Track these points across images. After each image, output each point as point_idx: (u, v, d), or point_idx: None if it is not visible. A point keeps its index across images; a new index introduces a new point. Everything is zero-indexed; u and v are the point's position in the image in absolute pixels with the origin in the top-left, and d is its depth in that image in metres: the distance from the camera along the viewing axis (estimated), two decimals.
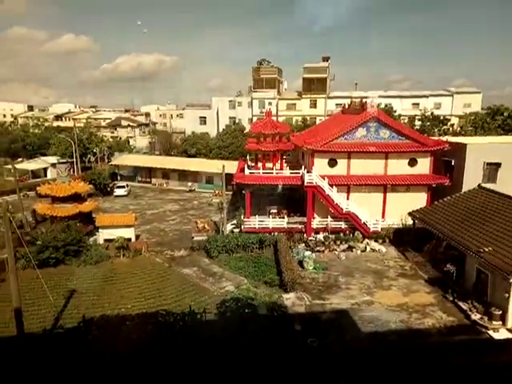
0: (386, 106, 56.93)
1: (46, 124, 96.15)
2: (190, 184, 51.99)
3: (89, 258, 26.00)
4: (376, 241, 28.97)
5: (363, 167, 30.43)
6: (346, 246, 28.36)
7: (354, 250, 28.01)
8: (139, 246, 28.28)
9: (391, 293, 21.93)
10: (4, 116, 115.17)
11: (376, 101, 40.59)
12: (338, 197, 29.33)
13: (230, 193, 43.60)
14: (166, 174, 54.80)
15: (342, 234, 29.52)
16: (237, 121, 68.77)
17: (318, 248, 28.07)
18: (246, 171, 31.32)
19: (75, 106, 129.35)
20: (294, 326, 18.51)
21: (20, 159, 66.03)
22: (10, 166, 52.45)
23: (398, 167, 30.54)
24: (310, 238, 29.43)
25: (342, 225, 29.93)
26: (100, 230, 29.38)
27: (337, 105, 62.37)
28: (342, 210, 29.21)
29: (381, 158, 30.57)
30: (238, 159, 45.06)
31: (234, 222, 31.26)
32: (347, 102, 37.93)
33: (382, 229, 29.46)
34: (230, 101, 71.62)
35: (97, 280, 23.59)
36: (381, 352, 16.42)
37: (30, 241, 26.25)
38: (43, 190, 30.64)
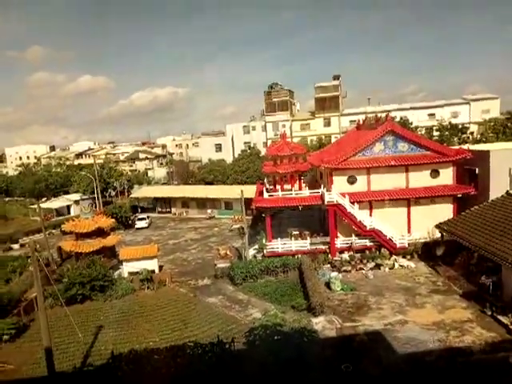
0: (401, 118, 56.57)
1: (68, 163, 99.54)
2: (209, 211, 52.21)
3: (114, 292, 26.07)
4: (404, 257, 28.07)
5: (384, 182, 29.92)
6: (373, 264, 27.54)
7: (381, 267, 27.16)
8: (163, 278, 28.22)
9: (425, 311, 20.96)
10: (28, 158, 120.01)
11: (391, 114, 40.36)
12: (360, 214, 28.79)
13: (250, 217, 43.47)
14: (185, 202, 55.31)
15: (367, 252, 28.77)
16: (252, 145, 69.57)
17: (344, 268, 27.36)
18: (265, 194, 31.22)
19: (94, 143, 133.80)
20: (326, 352, 17.81)
21: (44, 198, 68.10)
22: (35, 206, 54.04)
23: (420, 179, 29.90)
24: (335, 258, 28.77)
25: (367, 242, 29.21)
26: (124, 264, 29.56)
27: (351, 121, 62.46)
28: (366, 227, 28.58)
29: (401, 172, 30.03)
30: (255, 183, 45.15)
31: (256, 246, 30.95)
32: (361, 118, 37.80)
33: (409, 244, 28.58)
34: (244, 126, 72.75)
35: (123, 314, 23.53)
36: (420, 374, 15.54)
37: (56, 278, 26.58)
38: (67, 227, 31.23)
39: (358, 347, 18.05)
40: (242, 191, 31.08)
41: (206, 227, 46.99)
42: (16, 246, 44.00)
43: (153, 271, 28.88)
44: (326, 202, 28.95)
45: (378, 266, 27.31)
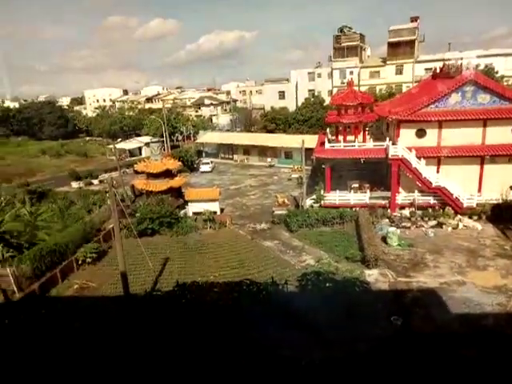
0: (485, 66, 50.55)
1: (139, 106, 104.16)
2: (269, 159, 52.74)
3: (180, 229, 28.30)
4: (470, 217, 26.69)
5: (456, 137, 27.79)
6: (435, 222, 26.62)
7: (443, 226, 26.18)
8: (224, 219, 29.90)
9: (487, 273, 20.23)
10: (104, 100, 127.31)
11: (474, 61, 36.29)
12: (426, 170, 27.43)
13: (309, 167, 43.23)
14: (246, 150, 56.22)
15: (430, 210, 27.72)
16: (316, 93, 67.06)
17: (403, 224, 26.82)
18: (327, 145, 30.72)
19: (163, 88, 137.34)
20: (376, 303, 18.22)
21: (119, 139, 73.07)
22: (111, 146, 58.47)
23: (499, 136, 27.28)
24: (394, 214, 28.19)
25: (431, 200, 28.03)
26: (189, 204, 31.64)
27: (426, 69, 57.05)
28: (431, 184, 27.31)
29: (478, 126, 27.58)
30: (317, 133, 44.25)
31: (314, 196, 31.14)
32: (438, 65, 34.45)
33: (477, 204, 26.99)
34: (309, 73, 69.82)
35: (187, 249, 25.65)
36: (475, 336, 15.37)
37: (130, 213, 29.32)
38: (139, 167, 33.65)
39: (410, 302, 18.16)
40: (303, 141, 30.79)
41: (265, 175, 47.85)
42: (96, 182, 48.71)
43: (215, 212, 30.66)
44: (390, 156, 27.87)
45: (440, 225, 26.37)
